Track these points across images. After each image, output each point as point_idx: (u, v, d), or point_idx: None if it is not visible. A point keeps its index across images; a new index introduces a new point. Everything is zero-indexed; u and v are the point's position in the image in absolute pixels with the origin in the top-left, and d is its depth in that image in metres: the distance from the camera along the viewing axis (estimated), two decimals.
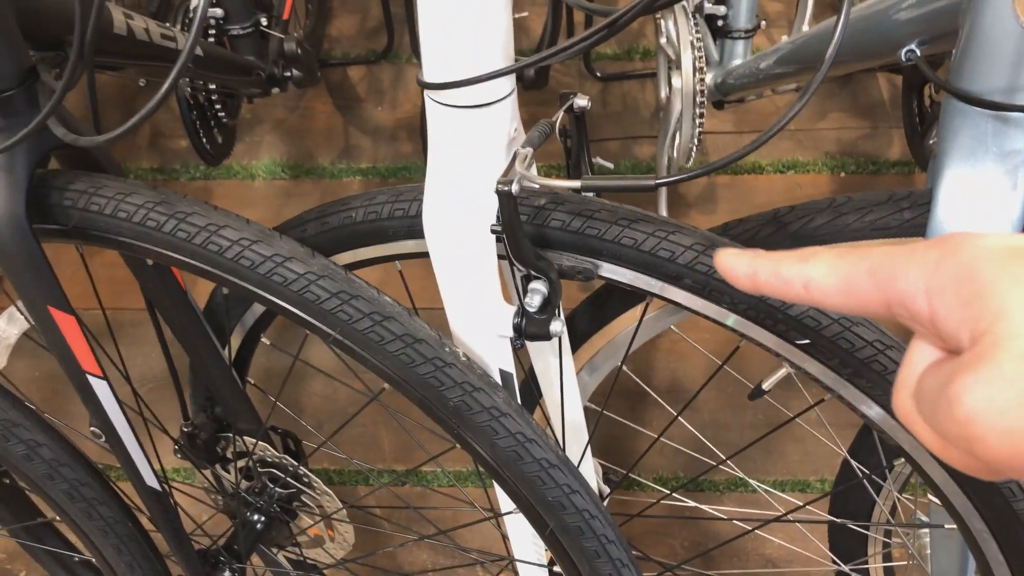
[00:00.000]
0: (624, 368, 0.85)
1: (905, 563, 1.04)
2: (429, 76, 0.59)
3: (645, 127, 1.92)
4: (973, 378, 0.28)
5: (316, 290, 0.65)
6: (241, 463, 0.96)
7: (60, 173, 0.71)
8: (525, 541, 0.82)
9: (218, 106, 1.55)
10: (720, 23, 1.40)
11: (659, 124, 1.59)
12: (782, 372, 0.79)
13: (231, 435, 0.95)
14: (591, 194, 0.68)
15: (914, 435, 0.33)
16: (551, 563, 0.83)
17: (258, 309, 0.93)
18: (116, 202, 0.68)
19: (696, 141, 1.41)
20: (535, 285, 0.65)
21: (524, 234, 0.62)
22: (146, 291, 0.84)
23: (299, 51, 1.42)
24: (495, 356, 0.70)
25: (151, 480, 0.82)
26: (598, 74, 1.98)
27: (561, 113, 0.67)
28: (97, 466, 0.85)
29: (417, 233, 0.72)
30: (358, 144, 1.96)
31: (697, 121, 1.38)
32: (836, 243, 0.68)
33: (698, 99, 1.38)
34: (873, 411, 0.65)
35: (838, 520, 0.95)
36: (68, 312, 0.72)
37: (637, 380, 0.89)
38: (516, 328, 0.68)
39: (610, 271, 0.66)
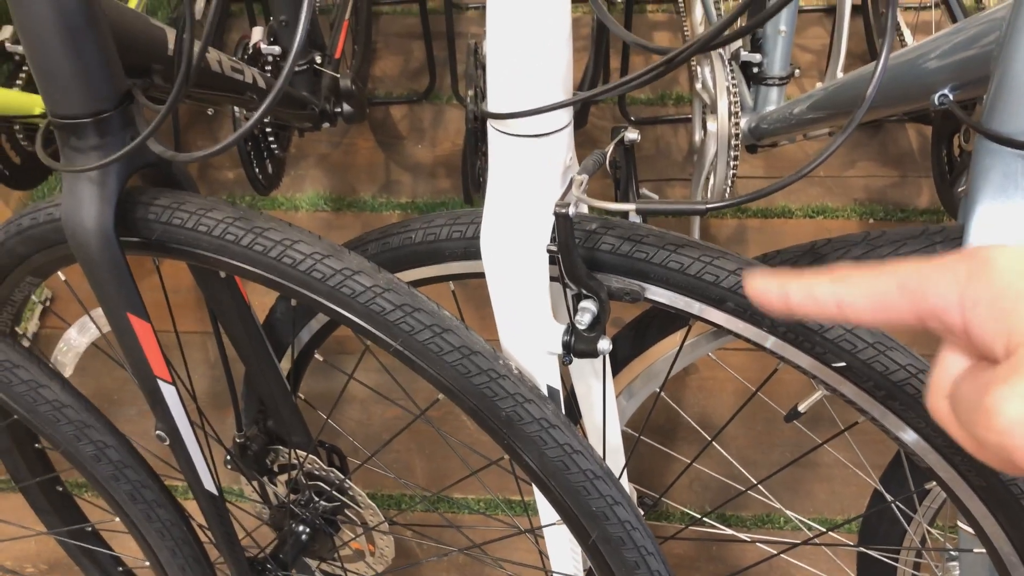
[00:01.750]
0: (661, 394, 0.89)
1: None
2: (495, 107, 0.64)
3: (678, 169, 1.97)
4: (1010, 391, 0.29)
5: (381, 302, 0.69)
6: (290, 475, 1.00)
7: (145, 189, 0.77)
8: (564, 554, 0.85)
9: (271, 138, 1.61)
10: (755, 70, 1.45)
11: (692, 167, 1.64)
12: (817, 395, 0.83)
13: (282, 448, 0.99)
14: (638, 219, 0.72)
15: (951, 434, 0.35)
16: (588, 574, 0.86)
17: (314, 326, 0.97)
18: (197, 216, 0.73)
19: (730, 183, 1.46)
20: (585, 304, 0.69)
21: (578, 255, 0.66)
22: (211, 303, 0.89)
23: (353, 88, 1.48)
24: (544, 372, 0.74)
25: (209, 484, 0.87)
26: (632, 118, 2.04)
27: (613, 145, 0.72)
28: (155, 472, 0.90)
29: (472, 255, 0.77)
30: (398, 179, 2.03)
31: (731, 164, 1.43)
32: None
33: (733, 142, 1.43)
34: (907, 435, 0.68)
35: (866, 548, 0.97)
36: (145, 320, 0.77)
37: (673, 404, 0.92)
38: (565, 346, 0.72)
39: (656, 293, 0.70)
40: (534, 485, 0.74)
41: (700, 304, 0.69)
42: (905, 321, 0.35)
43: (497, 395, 0.69)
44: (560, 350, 0.72)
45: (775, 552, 0.94)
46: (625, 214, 0.71)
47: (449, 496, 1.51)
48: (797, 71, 1.47)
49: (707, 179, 1.51)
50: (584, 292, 0.69)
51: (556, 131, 0.65)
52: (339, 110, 1.55)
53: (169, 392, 0.81)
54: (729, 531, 1.08)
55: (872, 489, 0.94)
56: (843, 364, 0.66)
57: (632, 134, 0.74)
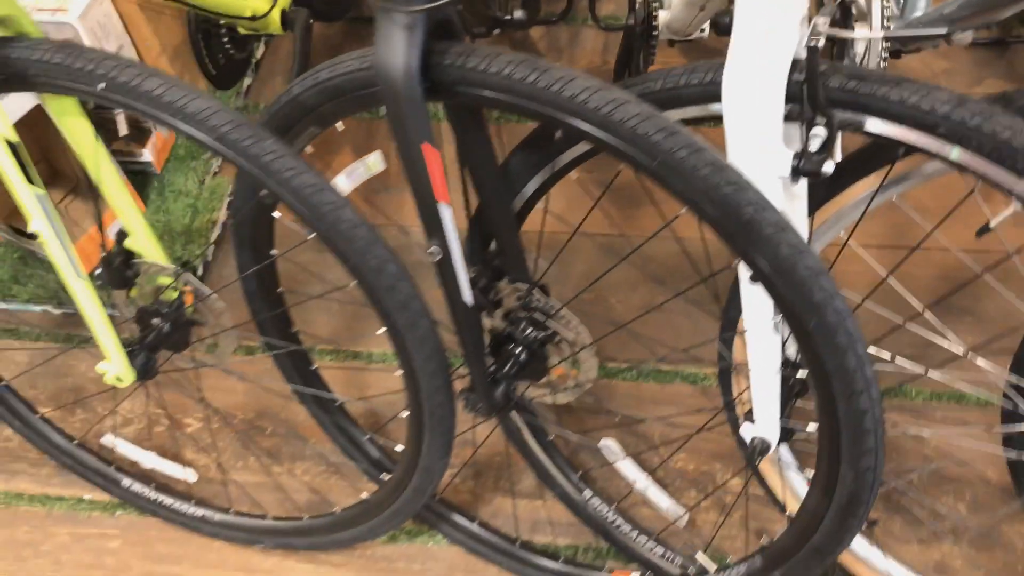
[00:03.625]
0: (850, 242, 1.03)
1: None
2: None
3: None
4: None
5: (646, 126, 0.85)
6: (510, 307, 1.17)
7: (439, 42, 0.93)
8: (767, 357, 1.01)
9: None
10: None
11: None
12: (1010, 209, 0.95)
13: (504, 283, 1.16)
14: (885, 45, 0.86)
15: None
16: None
17: (538, 180, 1.14)
18: (488, 60, 0.90)
19: None
20: (817, 130, 0.84)
21: (820, 84, 0.81)
22: (461, 146, 1.05)
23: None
24: (772, 196, 0.89)
25: (467, 296, 1.05)
26: None
27: None
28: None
29: (709, 97, 0.93)
30: None
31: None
32: None
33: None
34: None
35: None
36: (436, 148, 0.94)
37: (854, 246, 1.03)
38: (794, 169, 0.87)
39: (874, 125, 0.85)
40: (763, 286, 0.89)
41: (916, 133, 0.83)
42: None
43: (741, 203, 0.84)
44: (788, 173, 0.87)
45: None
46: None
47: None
48: None
49: None
50: (818, 119, 0.83)
51: None
52: (510, 17, 1.71)
53: (446, 213, 0.98)
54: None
55: None
56: None
57: None
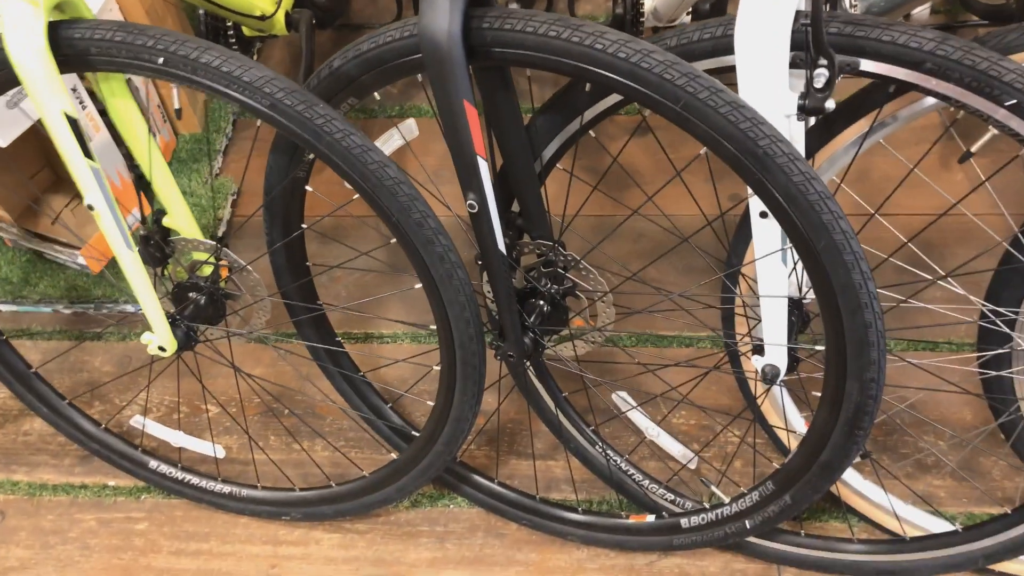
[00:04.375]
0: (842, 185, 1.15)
1: None
2: None
3: None
4: None
5: (672, 73, 0.96)
6: (533, 263, 1.27)
7: (477, 7, 1.03)
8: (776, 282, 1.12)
9: None
10: None
11: None
12: (988, 135, 1.08)
13: (529, 240, 1.26)
14: None
15: None
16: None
17: (557, 143, 1.24)
18: (525, 21, 1.00)
19: None
20: (820, 71, 0.96)
21: (823, 28, 0.93)
22: (488, 107, 1.14)
23: None
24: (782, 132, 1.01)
25: (501, 245, 1.14)
26: None
27: None
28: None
29: (720, 51, 1.04)
30: None
31: None
32: None
33: None
34: None
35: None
36: (474, 105, 1.04)
37: (846, 188, 1.15)
38: (800, 108, 0.98)
39: (868, 65, 0.97)
40: (773, 216, 1.00)
41: (904, 69, 0.96)
42: None
43: (757, 136, 0.95)
44: (795, 111, 0.98)
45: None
46: None
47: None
48: None
49: None
50: (821, 61, 0.95)
51: None
52: None
53: (483, 167, 1.08)
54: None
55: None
56: (1014, 102, 0.92)
57: None
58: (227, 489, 1.59)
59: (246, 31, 1.80)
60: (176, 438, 1.59)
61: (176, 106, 1.75)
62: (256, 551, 1.58)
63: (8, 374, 1.56)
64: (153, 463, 1.62)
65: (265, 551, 1.57)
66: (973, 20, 1.93)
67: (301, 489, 1.58)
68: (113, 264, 1.87)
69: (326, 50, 2.27)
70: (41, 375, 1.59)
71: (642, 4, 1.64)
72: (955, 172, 1.72)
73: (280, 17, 1.76)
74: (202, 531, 1.62)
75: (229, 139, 2.12)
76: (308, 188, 1.31)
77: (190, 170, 2.01)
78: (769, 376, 1.18)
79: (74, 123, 1.11)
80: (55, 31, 1.08)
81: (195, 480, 1.61)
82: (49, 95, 1.08)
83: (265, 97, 1.07)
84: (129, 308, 1.87)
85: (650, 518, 1.47)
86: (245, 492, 1.59)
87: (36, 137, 1.85)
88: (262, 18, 1.70)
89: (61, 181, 2.01)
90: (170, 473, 1.61)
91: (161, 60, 1.07)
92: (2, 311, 1.90)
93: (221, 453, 1.60)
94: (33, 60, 1.06)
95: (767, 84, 0.99)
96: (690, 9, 1.62)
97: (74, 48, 1.09)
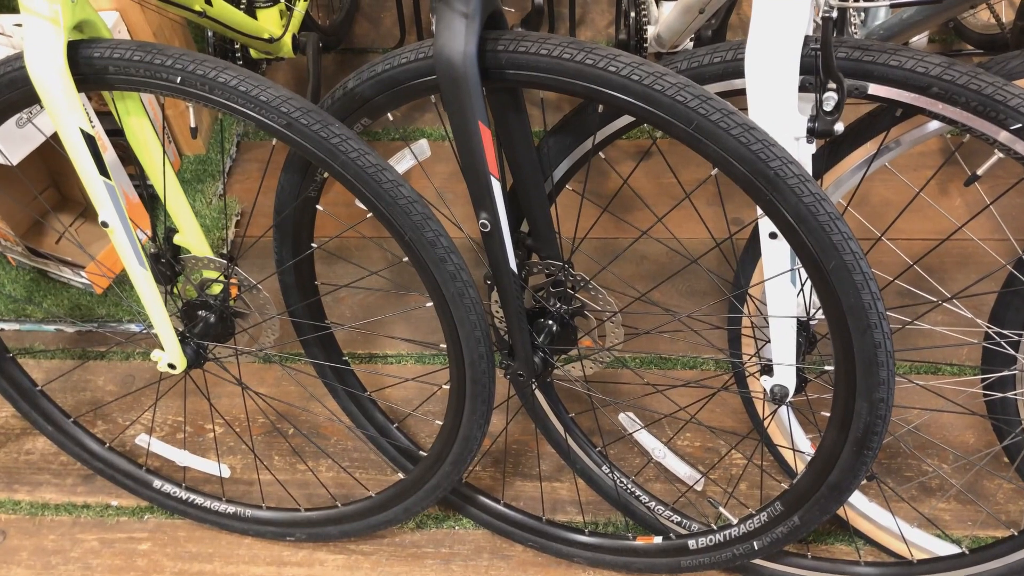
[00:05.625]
0: (849, 208, 1.17)
1: None
2: None
3: None
4: None
5: (685, 95, 0.98)
6: (542, 283, 1.28)
7: (491, 31, 1.05)
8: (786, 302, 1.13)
9: None
10: None
11: None
12: (994, 158, 1.09)
13: (538, 260, 1.27)
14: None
15: None
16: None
17: (566, 165, 1.26)
18: (539, 44, 1.02)
19: None
20: (829, 94, 0.98)
21: (833, 52, 0.95)
22: (500, 128, 1.16)
23: None
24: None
25: (512, 263, 1.15)
26: None
27: None
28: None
29: (730, 74, 1.06)
30: None
31: None
32: None
33: None
34: None
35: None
36: (488, 127, 1.05)
37: (854, 212, 1.17)
38: (809, 130, 1.00)
39: (876, 89, 0.99)
40: (783, 236, 1.01)
41: (911, 94, 0.97)
42: None
43: (768, 158, 0.97)
44: (804, 134, 1.00)
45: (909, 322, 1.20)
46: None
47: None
48: None
49: None
50: (830, 85, 0.97)
51: None
52: None
53: (496, 186, 1.09)
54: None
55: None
56: (1020, 126, 0.94)
57: None
58: (231, 509, 1.59)
59: (253, 53, 1.82)
60: (181, 457, 1.58)
61: (192, 124, 1.77)
62: (260, 572, 1.57)
63: (14, 392, 1.56)
64: (157, 483, 1.61)
65: (269, 572, 1.57)
66: (968, 49, 1.96)
67: (306, 509, 1.57)
68: (119, 282, 1.88)
69: (330, 73, 2.30)
70: (46, 392, 1.59)
71: (645, 30, 1.67)
72: (954, 197, 1.74)
73: (287, 40, 1.78)
74: (206, 552, 1.61)
75: (233, 160, 2.14)
76: (319, 207, 1.32)
77: (194, 191, 2.02)
78: (778, 396, 1.19)
79: (91, 140, 1.12)
80: (74, 50, 1.10)
81: (199, 500, 1.60)
82: (67, 113, 1.09)
83: (282, 116, 1.08)
84: (133, 328, 1.87)
85: (657, 539, 1.47)
86: (249, 512, 1.58)
87: (41, 157, 1.87)
88: (270, 40, 1.72)
89: (66, 201, 2.02)
90: (174, 493, 1.61)
91: (179, 79, 1.09)
92: (5, 330, 1.90)
93: (226, 472, 1.60)
94: (53, 78, 1.07)
95: (777, 107, 1.00)
96: (693, 36, 1.65)
97: (93, 67, 1.11)
